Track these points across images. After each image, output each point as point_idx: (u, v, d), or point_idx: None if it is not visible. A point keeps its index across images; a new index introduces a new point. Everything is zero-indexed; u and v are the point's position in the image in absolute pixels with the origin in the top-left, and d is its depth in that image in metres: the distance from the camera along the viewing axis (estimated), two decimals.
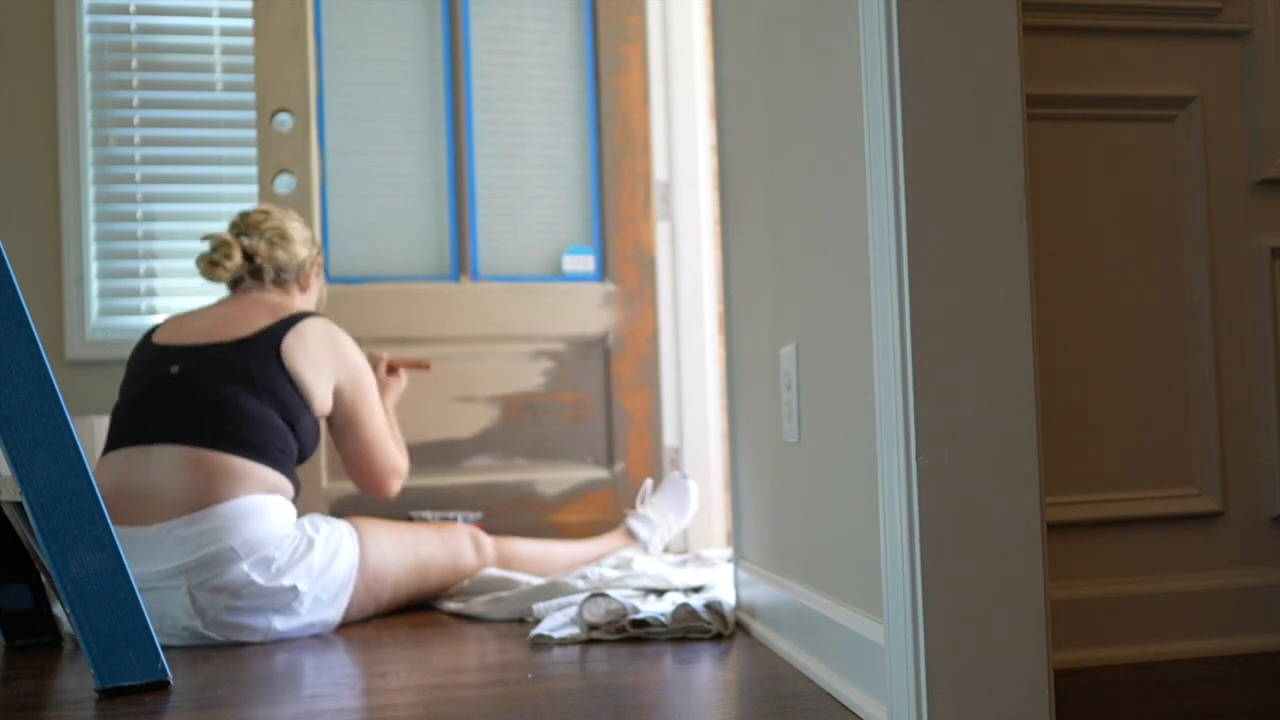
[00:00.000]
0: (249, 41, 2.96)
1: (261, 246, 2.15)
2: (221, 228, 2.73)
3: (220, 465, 1.87)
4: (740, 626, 1.80)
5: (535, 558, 2.32)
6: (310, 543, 1.92)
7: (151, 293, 2.93)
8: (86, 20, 2.91)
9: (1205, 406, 1.51)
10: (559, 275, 2.85)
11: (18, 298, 1.48)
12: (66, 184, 2.85)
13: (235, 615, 1.84)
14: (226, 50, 2.98)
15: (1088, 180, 1.50)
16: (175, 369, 1.97)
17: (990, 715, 1.04)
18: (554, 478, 2.78)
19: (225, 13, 2.98)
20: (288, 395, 1.99)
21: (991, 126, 1.07)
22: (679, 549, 2.78)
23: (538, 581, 2.11)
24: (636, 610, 1.77)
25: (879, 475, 1.11)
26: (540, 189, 2.86)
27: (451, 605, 2.13)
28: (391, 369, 2.44)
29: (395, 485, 2.24)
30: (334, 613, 1.96)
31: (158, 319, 2.63)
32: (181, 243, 2.92)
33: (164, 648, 1.65)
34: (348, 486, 2.60)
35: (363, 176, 2.77)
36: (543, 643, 1.75)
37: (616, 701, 1.33)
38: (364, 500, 2.55)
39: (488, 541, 2.25)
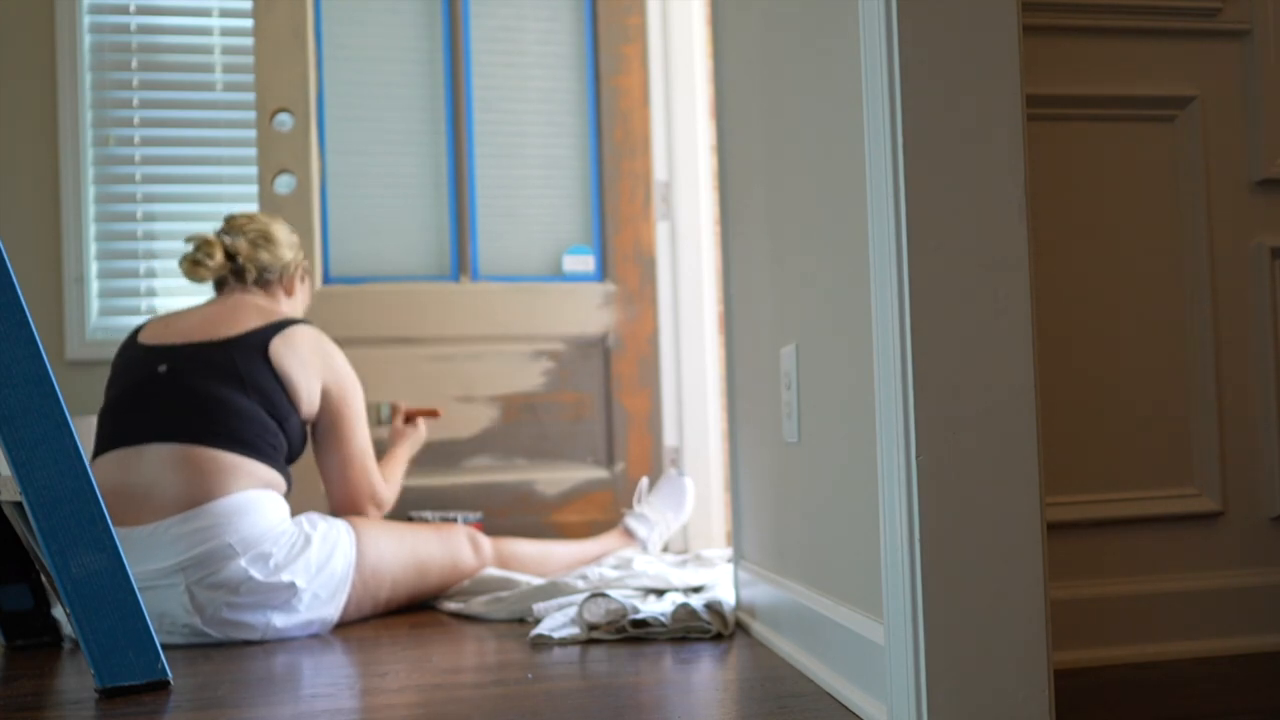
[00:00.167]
0: (249, 41, 2.96)
1: (243, 245, 2.15)
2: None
3: (212, 461, 1.88)
4: (740, 626, 1.80)
5: (535, 558, 2.32)
6: (307, 539, 1.93)
7: (151, 293, 2.93)
8: (86, 20, 2.91)
9: (1205, 406, 1.51)
10: (559, 275, 2.85)
11: (18, 298, 1.48)
12: (66, 184, 2.85)
13: (234, 612, 1.84)
14: (226, 50, 2.99)
15: (1088, 180, 1.50)
16: (163, 368, 1.97)
17: (990, 715, 1.04)
18: (554, 478, 2.78)
19: (225, 13, 2.98)
20: (275, 394, 1.99)
21: (991, 126, 1.07)
22: (679, 549, 2.78)
23: (538, 581, 2.11)
24: (636, 610, 1.77)
25: (879, 475, 1.11)
26: (540, 189, 2.86)
27: (451, 605, 2.13)
28: (409, 418, 2.53)
29: (372, 512, 2.19)
30: (332, 610, 1.96)
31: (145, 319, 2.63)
32: (181, 243, 2.92)
33: (164, 646, 1.66)
34: None
35: (363, 176, 2.77)
36: (543, 643, 1.75)
37: (616, 701, 1.33)
38: None
39: (486, 542, 2.25)
